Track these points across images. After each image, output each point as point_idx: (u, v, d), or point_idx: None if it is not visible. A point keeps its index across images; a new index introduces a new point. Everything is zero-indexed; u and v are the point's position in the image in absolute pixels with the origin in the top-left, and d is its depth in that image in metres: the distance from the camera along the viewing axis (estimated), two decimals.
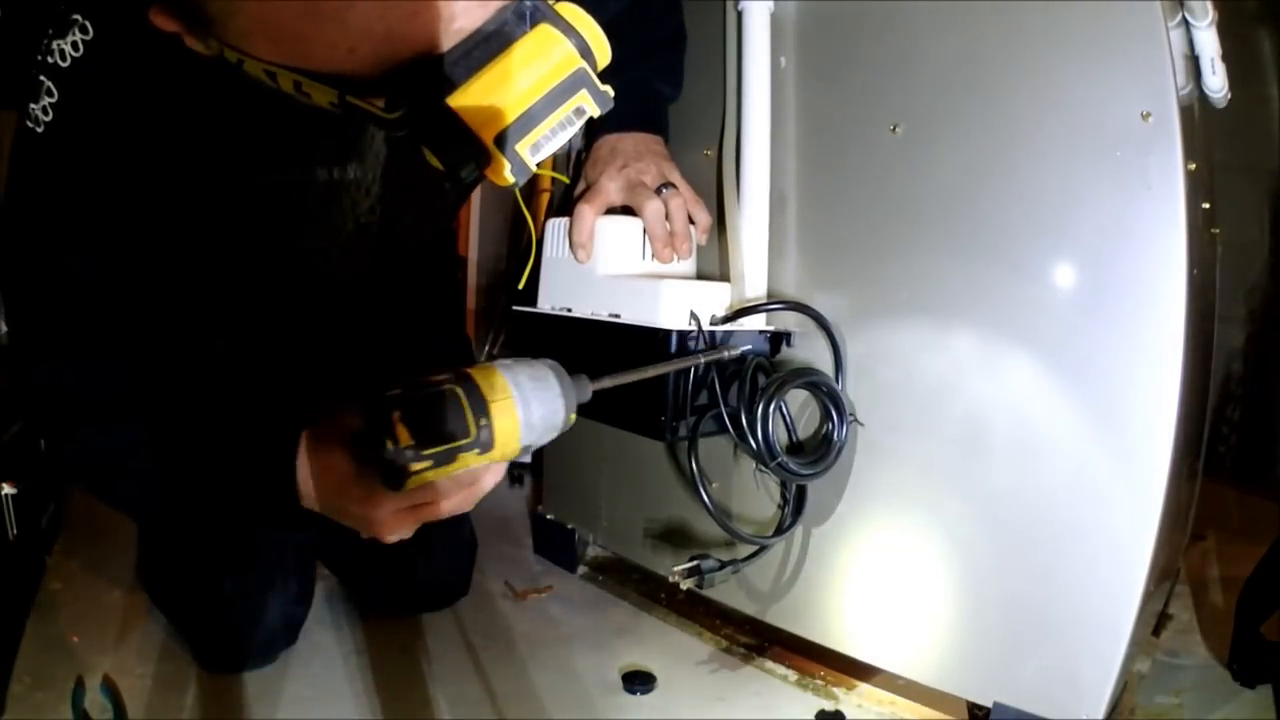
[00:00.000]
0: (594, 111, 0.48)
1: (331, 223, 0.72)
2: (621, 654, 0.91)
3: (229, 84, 0.55)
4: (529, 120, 0.46)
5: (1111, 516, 0.65)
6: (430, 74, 0.45)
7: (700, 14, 0.88)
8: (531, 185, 1.30)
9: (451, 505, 0.58)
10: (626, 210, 0.83)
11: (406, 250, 0.85)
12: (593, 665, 0.88)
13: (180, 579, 0.89)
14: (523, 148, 0.47)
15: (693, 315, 0.76)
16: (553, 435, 0.55)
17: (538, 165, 0.48)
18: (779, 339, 0.83)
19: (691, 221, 0.84)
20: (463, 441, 0.50)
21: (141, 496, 0.68)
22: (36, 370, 0.66)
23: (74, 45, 0.58)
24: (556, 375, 0.55)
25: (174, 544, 0.89)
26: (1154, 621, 0.90)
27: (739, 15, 0.82)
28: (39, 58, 0.59)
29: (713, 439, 0.80)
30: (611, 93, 0.49)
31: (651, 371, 0.68)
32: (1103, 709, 0.66)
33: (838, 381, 0.78)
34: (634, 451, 0.97)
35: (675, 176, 0.85)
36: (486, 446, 0.51)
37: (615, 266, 0.81)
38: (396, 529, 0.58)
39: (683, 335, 0.75)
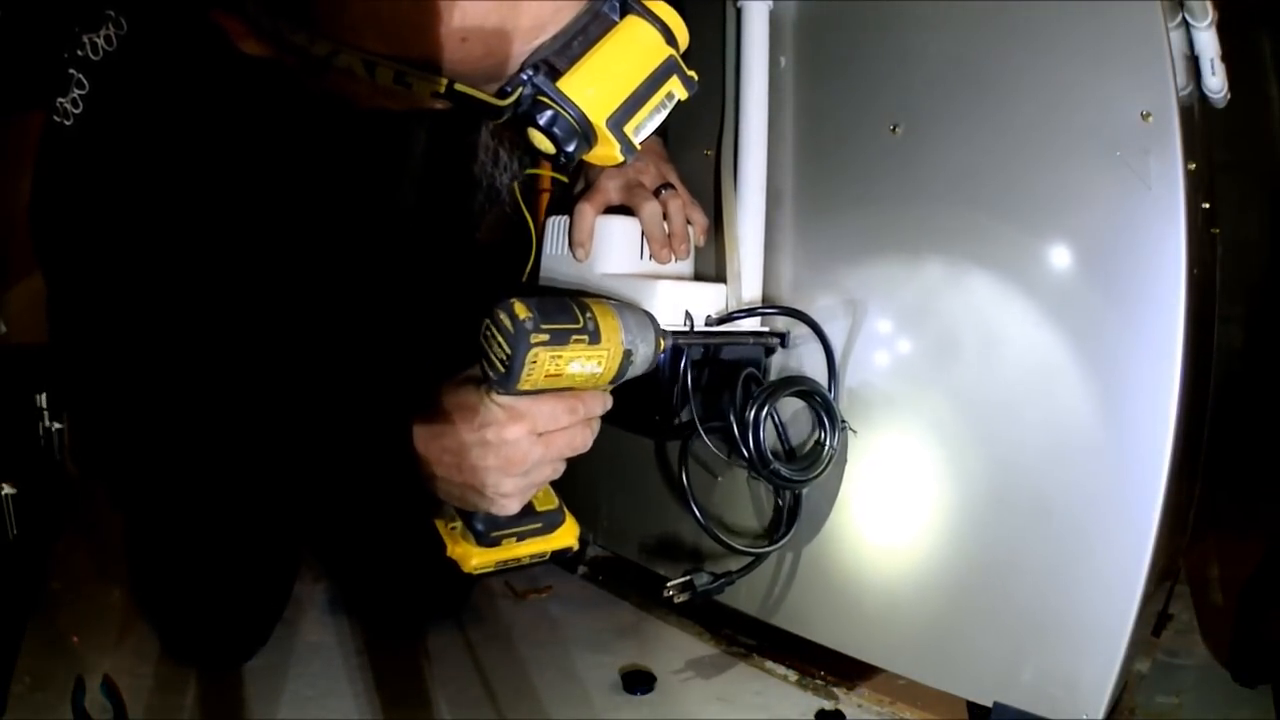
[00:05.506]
0: (682, 95, 0.52)
1: (358, 224, 0.73)
2: (621, 654, 0.91)
3: (266, 85, 0.55)
4: (634, 104, 0.50)
5: (1111, 516, 0.65)
6: (539, 62, 0.48)
7: (699, 13, 0.87)
8: (531, 185, 1.30)
9: (570, 437, 0.59)
10: (625, 210, 0.83)
11: (435, 253, 0.85)
12: (593, 665, 0.88)
13: (160, 574, 0.89)
14: (629, 129, 0.50)
15: (687, 315, 0.76)
16: (648, 353, 0.59)
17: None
18: (774, 341, 0.82)
19: (689, 222, 0.84)
20: (573, 325, 0.54)
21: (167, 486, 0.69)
22: (83, 369, 0.66)
23: (107, 39, 0.59)
24: (643, 308, 0.61)
25: (158, 538, 0.88)
26: (1154, 621, 0.90)
27: (738, 14, 0.82)
28: (67, 53, 0.59)
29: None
30: (696, 77, 0.52)
31: (717, 337, 0.78)
32: (1102, 709, 0.66)
33: (831, 388, 0.78)
34: (634, 452, 0.97)
35: (673, 177, 0.85)
36: (594, 336, 0.55)
37: (613, 265, 0.81)
38: (527, 457, 0.56)
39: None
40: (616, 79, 0.49)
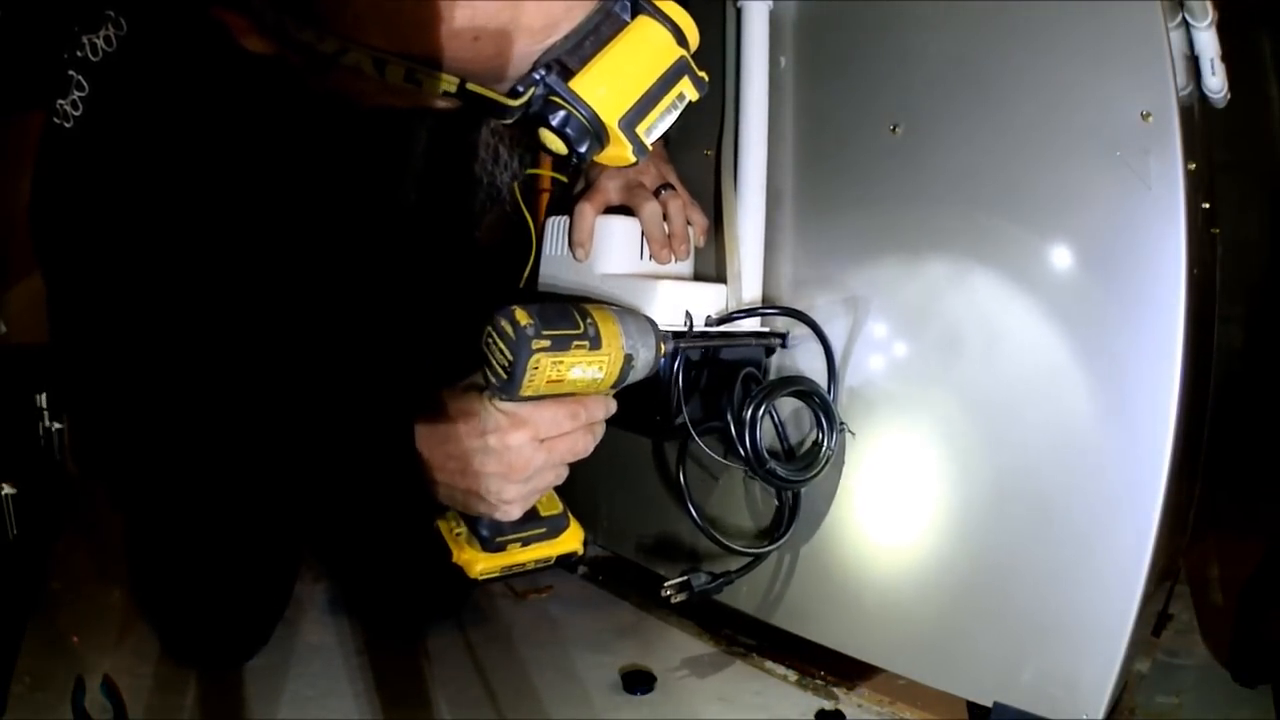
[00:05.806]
0: (693, 97, 0.51)
1: (359, 223, 0.73)
2: (621, 654, 0.91)
3: (268, 83, 0.55)
4: (646, 104, 0.50)
5: (1111, 516, 0.65)
6: (551, 62, 0.48)
7: (699, 13, 0.87)
8: (531, 185, 1.31)
9: (572, 442, 0.58)
10: (625, 210, 0.83)
11: (435, 253, 0.85)
12: (593, 665, 0.88)
13: (160, 574, 0.89)
14: (641, 130, 0.50)
15: (687, 315, 0.76)
16: (649, 357, 0.59)
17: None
18: (774, 341, 0.82)
19: (689, 223, 0.84)
20: (574, 331, 0.54)
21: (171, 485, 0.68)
22: (83, 369, 0.66)
23: (106, 40, 0.59)
24: (643, 313, 0.61)
25: (158, 538, 0.88)
26: (1154, 621, 0.90)
27: (738, 14, 0.82)
28: (67, 54, 0.59)
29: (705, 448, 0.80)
30: (706, 78, 0.52)
31: (717, 338, 0.78)
32: (1102, 709, 0.66)
33: (830, 389, 0.78)
34: (633, 452, 0.97)
35: (673, 178, 0.85)
36: (595, 341, 0.55)
37: (613, 266, 0.81)
38: (530, 463, 0.56)
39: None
40: (629, 79, 0.49)
